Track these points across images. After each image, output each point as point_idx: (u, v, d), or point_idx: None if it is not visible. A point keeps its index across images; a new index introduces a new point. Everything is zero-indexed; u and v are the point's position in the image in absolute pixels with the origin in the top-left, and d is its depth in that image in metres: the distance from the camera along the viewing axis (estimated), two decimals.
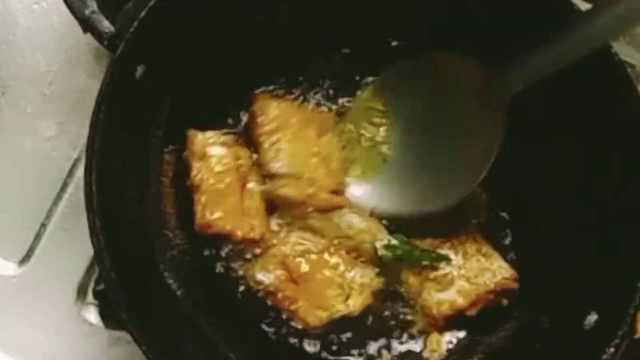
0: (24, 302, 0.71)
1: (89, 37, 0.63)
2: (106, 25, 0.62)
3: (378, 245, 0.67)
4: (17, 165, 0.74)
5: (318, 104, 0.72)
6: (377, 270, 0.67)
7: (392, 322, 0.67)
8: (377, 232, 0.67)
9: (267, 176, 0.68)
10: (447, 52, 0.67)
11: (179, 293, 0.65)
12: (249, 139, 0.70)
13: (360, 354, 0.67)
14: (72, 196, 0.73)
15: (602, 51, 0.55)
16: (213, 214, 0.65)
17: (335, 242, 0.67)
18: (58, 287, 0.71)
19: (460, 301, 0.65)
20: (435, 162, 0.68)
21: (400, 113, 0.70)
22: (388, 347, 0.67)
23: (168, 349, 0.57)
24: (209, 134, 0.68)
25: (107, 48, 0.62)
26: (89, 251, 0.57)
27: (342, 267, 0.66)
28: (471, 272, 0.66)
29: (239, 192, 0.67)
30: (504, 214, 0.71)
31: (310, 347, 0.67)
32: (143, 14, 0.60)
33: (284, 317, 0.67)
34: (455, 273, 0.66)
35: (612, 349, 0.56)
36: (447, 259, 0.67)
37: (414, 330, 0.67)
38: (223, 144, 0.68)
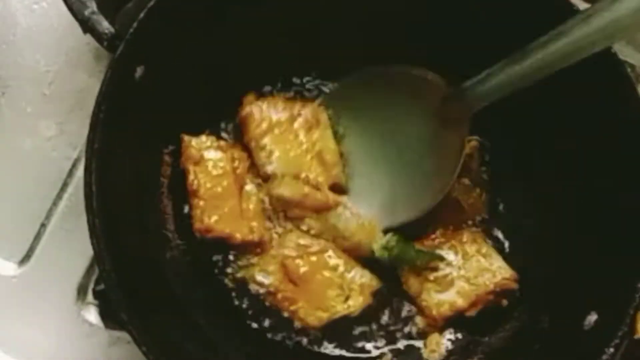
0: (24, 302, 0.71)
1: (89, 37, 0.63)
2: (106, 25, 0.62)
3: (375, 245, 0.67)
4: (17, 165, 0.74)
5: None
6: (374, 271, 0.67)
7: (392, 323, 0.68)
8: (373, 232, 0.67)
9: (264, 178, 0.68)
10: (410, 64, 0.67)
11: (179, 293, 0.66)
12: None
13: (360, 354, 0.67)
14: (72, 196, 0.73)
15: (602, 51, 0.54)
16: (212, 217, 0.65)
17: (333, 242, 0.67)
18: (58, 287, 0.71)
19: (460, 302, 0.65)
20: (397, 174, 0.68)
21: (355, 125, 0.70)
22: (388, 348, 0.67)
23: (168, 349, 0.57)
24: (204, 138, 0.68)
25: (107, 49, 0.62)
26: (89, 251, 0.57)
27: (341, 268, 0.66)
28: (471, 273, 0.66)
29: (236, 195, 0.67)
30: (504, 214, 0.71)
31: (310, 347, 0.67)
32: (142, 14, 0.60)
33: (284, 317, 0.67)
34: (455, 274, 0.66)
35: (612, 349, 0.56)
36: (442, 259, 0.66)
37: (414, 331, 0.67)
38: (218, 147, 0.68)
